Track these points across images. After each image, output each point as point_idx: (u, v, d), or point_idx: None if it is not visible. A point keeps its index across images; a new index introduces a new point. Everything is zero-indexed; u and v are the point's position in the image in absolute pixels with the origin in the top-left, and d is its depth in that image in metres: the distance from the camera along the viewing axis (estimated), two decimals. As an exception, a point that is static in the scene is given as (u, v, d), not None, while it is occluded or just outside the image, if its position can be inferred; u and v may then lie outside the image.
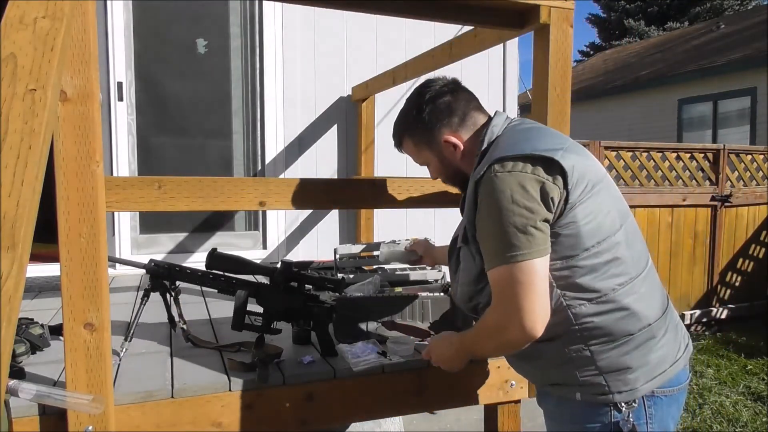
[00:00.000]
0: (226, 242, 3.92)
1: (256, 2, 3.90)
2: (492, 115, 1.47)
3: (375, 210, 4.00)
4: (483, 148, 1.36)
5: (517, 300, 1.18)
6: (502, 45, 4.24)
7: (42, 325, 1.93)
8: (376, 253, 2.97)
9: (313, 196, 1.81)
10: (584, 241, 1.22)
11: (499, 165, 1.23)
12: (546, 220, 1.21)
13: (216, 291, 1.87)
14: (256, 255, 3.89)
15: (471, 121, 1.46)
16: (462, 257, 1.40)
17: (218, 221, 3.94)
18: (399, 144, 1.57)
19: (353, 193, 1.96)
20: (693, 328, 5.61)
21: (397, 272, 2.79)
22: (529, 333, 1.19)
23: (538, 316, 1.19)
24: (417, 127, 1.48)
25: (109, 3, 3.52)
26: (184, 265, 1.91)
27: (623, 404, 1.25)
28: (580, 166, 1.24)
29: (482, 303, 1.36)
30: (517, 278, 1.18)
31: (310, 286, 1.87)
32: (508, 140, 1.33)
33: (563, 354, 1.28)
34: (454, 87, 1.48)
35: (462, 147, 1.45)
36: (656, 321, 1.28)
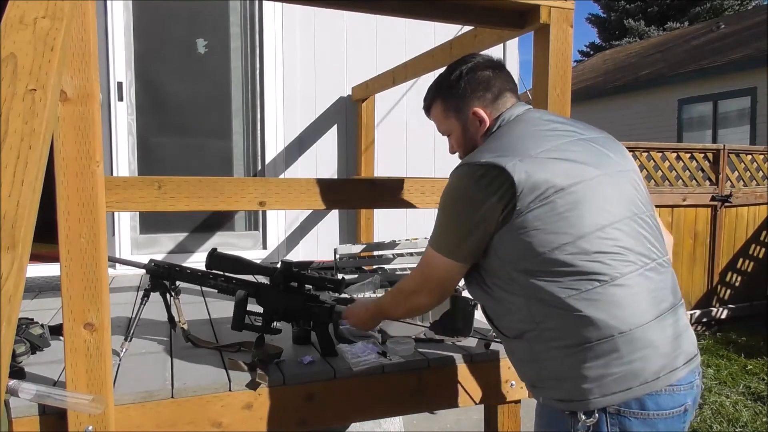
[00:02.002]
0: (226, 242, 3.92)
1: (256, 2, 3.90)
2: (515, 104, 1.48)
3: (375, 210, 4.00)
4: (487, 138, 1.43)
5: (428, 277, 1.42)
6: (502, 45, 4.24)
7: (42, 325, 1.93)
8: (377, 252, 2.97)
9: (313, 196, 1.81)
10: (537, 247, 1.21)
11: (462, 166, 1.34)
12: (475, 229, 1.28)
13: (216, 291, 1.87)
14: (256, 255, 3.89)
15: (502, 102, 1.46)
16: None
17: (218, 221, 3.94)
18: (428, 107, 1.56)
19: (353, 193, 1.96)
20: (693, 328, 5.61)
21: (397, 272, 2.79)
22: (424, 307, 1.54)
23: (437, 300, 1.47)
24: (451, 92, 1.48)
25: (109, 3, 3.52)
26: (184, 265, 1.91)
27: (582, 414, 1.20)
28: (539, 172, 1.23)
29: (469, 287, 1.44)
30: (437, 264, 1.37)
31: (310, 286, 1.87)
32: (489, 142, 1.39)
33: (530, 353, 1.29)
34: (498, 66, 1.50)
35: (488, 124, 1.45)
36: (623, 334, 1.18)
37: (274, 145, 3.97)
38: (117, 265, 3.39)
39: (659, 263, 1.27)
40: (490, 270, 1.32)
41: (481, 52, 2.52)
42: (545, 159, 1.26)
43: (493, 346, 1.91)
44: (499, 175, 1.24)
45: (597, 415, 1.19)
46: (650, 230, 1.30)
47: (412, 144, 4.26)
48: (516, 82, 1.55)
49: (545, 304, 1.22)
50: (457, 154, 1.55)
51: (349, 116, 4.11)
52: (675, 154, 5.50)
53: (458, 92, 1.47)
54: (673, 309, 1.25)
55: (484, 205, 1.26)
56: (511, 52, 4.41)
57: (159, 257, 2.93)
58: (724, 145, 5.69)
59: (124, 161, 3.63)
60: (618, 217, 1.25)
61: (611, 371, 1.18)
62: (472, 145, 1.48)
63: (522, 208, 1.22)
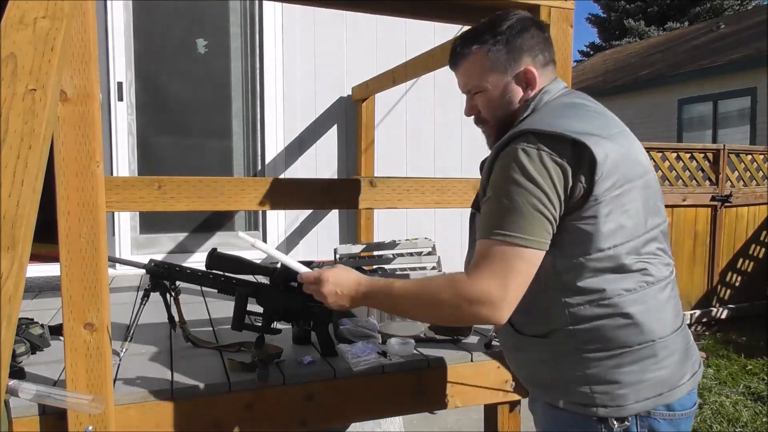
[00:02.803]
0: (226, 242, 3.92)
1: (256, 2, 3.90)
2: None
3: (375, 210, 4.00)
4: (525, 114, 1.24)
5: (506, 279, 1.09)
6: (502, 45, 4.23)
7: (42, 325, 1.93)
8: (377, 252, 2.97)
9: (313, 196, 1.81)
10: (600, 241, 1.12)
11: (524, 139, 1.13)
12: (554, 213, 1.11)
13: (216, 291, 1.87)
14: (256, 255, 3.89)
15: (549, 71, 1.29)
16: (477, 226, 1.28)
17: (218, 221, 3.94)
18: (461, 56, 1.30)
19: (353, 193, 1.96)
20: (693, 328, 5.61)
21: (397, 272, 2.79)
22: (500, 319, 1.11)
23: (513, 304, 1.11)
24: (499, 40, 1.25)
25: (109, 3, 3.51)
26: (184, 265, 1.91)
27: (615, 421, 1.15)
28: (615, 157, 1.11)
29: None
30: (511, 258, 1.10)
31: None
32: (546, 113, 1.21)
33: (554, 354, 1.20)
34: (549, 34, 1.34)
35: (535, 89, 1.26)
36: (662, 339, 1.16)
37: (274, 145, 3.97)
38: (117, 265, 3.39)
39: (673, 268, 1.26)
40: None
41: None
42: (618, 144, 1.15)
43: (493, 345, 1.91)
44: (582, 152, 1.10)
45: (630, 420, 1.16)
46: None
47: (412, 144, 4.26)
48: None
49: (591, 303, 1.14)
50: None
51: (349, 116, 4.11)
52: (675, 154, 5.50)
53: (510, 43, 1.24)
54: (683, 316, 1.28)
55: (562, 182, 1.11)
56: (511, 52, 4.40)
57: (159, 257, 2.93)
58: (724, 145, 5.69)
59: (124, 161, 3.63)
60: (662, 219, 1.22)
61: (647, 377, 1.15)
62: (506, 110, 1.28)
63: (598, 194, 1.10)
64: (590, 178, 1.10)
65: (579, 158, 1.10)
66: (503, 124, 1.28)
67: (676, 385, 1.18)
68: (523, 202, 1.10)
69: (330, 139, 4.10)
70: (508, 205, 1.11)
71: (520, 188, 1.10)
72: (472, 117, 1.36)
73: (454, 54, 1.32)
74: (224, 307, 2.50)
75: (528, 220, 1.10)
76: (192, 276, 1.89)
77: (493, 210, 1.14)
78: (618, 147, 1.14)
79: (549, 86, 1.27)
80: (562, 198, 1.11)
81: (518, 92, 1.27)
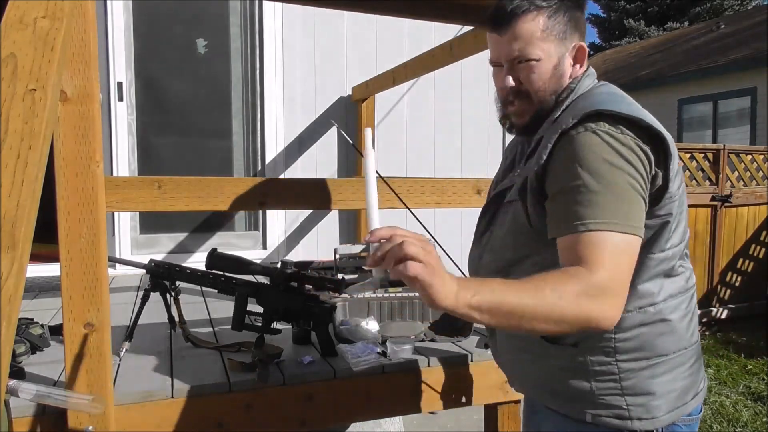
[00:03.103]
0: (226, 242, 3.91)
1: (256, 2, 3.90)
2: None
3: (375, 210, 3.99)
4: (570, 99, 1.12)
5: (618, 270, 0.94)
6: (502, 45, 4.23)
7: (42, 325, 1.93)
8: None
9: (313, 196, 1.81)
10: (663, 241, 1.06)
11: (601, 119, 1.01)
12: (646, 199, 1.02)
13: (216, 291, 1.87)
14: (256, 255, 3.89)
15: (581, 53, 1.16)
16: (505, 216, 1.15)
17: (218, 221, 3.94)
18: (515, 13, 1.10)
19: (353, 193, 1.96)
20: (693, 328, 5.61)
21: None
22: (614, 318, 0.94)
23: (624, 300, 0.96)
24: (565, 11, 1.12)
25: (109, 3, 3.51)
26: (184, 265, 1.91)
27: None
28: (676, 154, 1.06)
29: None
30: (617, 246, 0.95)
31: (310, 286, 1.87)
32: (605, 97, 1.08)
33: (583, 364, 1.09)
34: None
35: (581, 69, 1.16)
36: (692, 346, 1.13)
37: (274, 145, 3.97)
38: (117, 265, 3.39)
39: None
40: None
41: (482, 52, 2.52)
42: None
43: (493, 346, 1.91)
44: (659, 143, 1.02)
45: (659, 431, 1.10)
46: None
47: (412, 144, 4.26)
48: None
49: (640, 309, 1.07)
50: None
51: (349, 116, 4.11)
52: (675, 154, 5.49)
53: (570, 14, 1.12)
54: None
55: (647, 169, 1.01)
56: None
57: (159, 257, 2.93)
58: (724, 145, 5.69)
59: (124, 161, 3.63)
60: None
61: (677, 386, 1.11)
62: (555, 86, 1.13)
63: (672, 191, 1.04)
64: (665, 173, 1.02)
65: (657, 149, 1.02)
66: (547, 98, 1.14)
67: (698, 391, 1.16)
68: (623, 183, 0.97)
69: (330, 139, 4.10)
70: (604, 189, 0.97)
71: (615, 168, 0.98)
72: (501, 91, 1.17)
73: (503, 13, 1.11)
74: (224, 307, 2.49)
75: (629, 203, 0.98)
76: (192, 276, 1.89)
77: (585, 197, 0.97)
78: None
79: (589, 70, 1.18)
80: (648, 187, 1.02)
81: (569, 69, 1.14)
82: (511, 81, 1.14)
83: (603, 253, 0.94)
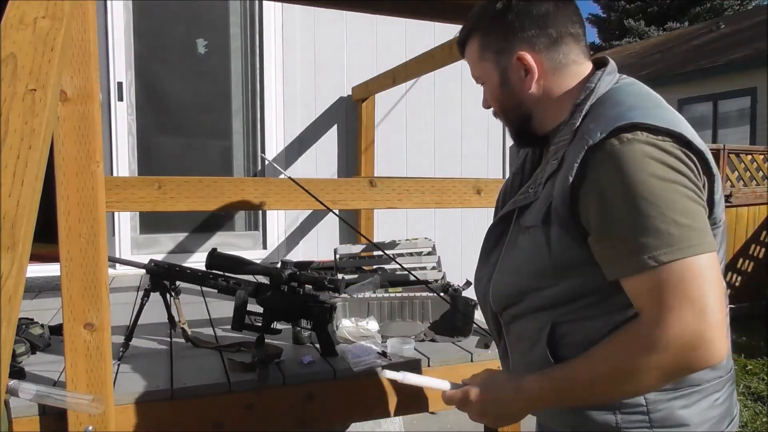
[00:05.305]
0: (226, 242, 3.92)
1: (256, 2, 3.90)
2: (596, 58, 1.10)
3: (375, 210, 4.00)
4: (590, 100, 0.99)
5: (706, 301, 0.82)
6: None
7: (42, 325, 1.93)
8: (377, 252, 2.97)
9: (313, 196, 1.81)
10: None
11: (635, 130, 0.88)
12: (704, 199, 0.90)
13: (216, 291, 1.87)
14: (256, 255, 3.89)
15: (562, 50, 1.04)
16: (521, 239, 1.04)
17: (218, 221, 3.94)
18: (463, 41, 1.13)
19: (353, 193, 1.96)
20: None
21: (397, 272, 2.79)
22: (719, 352, 0.83)
23: (725, 326, 0.86)
24: (493, 25, 1.07)
25: (109, 3, 3.51)
26: (184, 265, 1.91)
27: None
28: (719, 178, 0.95)
29: (517, 312, 1.05)
30: (699, 272, 0.83)
31: (310, 286, 1.88)
32: (636, 100, 0.96)
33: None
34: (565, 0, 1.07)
35: (536, 76, 1.05)
36: (728, 373, 1.02)
37: (274, 145, 3.97)
38: (117, 265, 3.39)
39: None
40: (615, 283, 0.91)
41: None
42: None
43: (493, 346, 1.91)
44: (702, 161, 0.91)
45: None
46: None
47: (412, 144, 4.26)
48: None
49: None
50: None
51: (349, 116, 4.11)
52: (675, 154, 5.49)
53: (503, 27, 1.05)
54: None
55: (699, 176, 0.90)
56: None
57: (159, 257, 2.93)
58: (724, 145, 5.69)
59: (124, 161, 3.63)
60: None
61: (713, 414, 0.99)
62: (512, 102, 1.09)
63: (717, 215, 0.94)
64: (711, 195, 0.92)
65: (700, 164, 0.90)
66: (517, 114, 1.10)
67: (733, 417, 1.04)
68: (679, 197, 0.85)
69: (330, 139, 4.10)
70: (658, 209, 0.84)
71: (664, 182, 0.85)
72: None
73: (458, 40, 1.16)
74: (224, 307, 2.49)
75: (693, 216, 0.85)
76: (192, 276, 1.89)
77: (637, 225, 0.85)
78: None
79: (608, 67, 1.05)
80: (704, 197, 0.90)
81: (520, 81, 1.07)
82: (484, 103, 1.16)
83: (668, 294, 0.84)
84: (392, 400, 1.79)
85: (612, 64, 1.05)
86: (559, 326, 0.99)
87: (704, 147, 0.91)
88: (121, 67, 3.59)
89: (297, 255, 3.99)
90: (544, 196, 1.00)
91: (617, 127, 0.88)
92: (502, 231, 1.11)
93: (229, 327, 1.79)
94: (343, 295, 2.03)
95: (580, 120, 0.98)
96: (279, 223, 4.00)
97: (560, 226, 0.96)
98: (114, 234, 3.59)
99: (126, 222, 3.64)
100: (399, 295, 2.10)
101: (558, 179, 0.96)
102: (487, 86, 1.12)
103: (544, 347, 1.00)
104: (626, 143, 0.87)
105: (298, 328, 1.91)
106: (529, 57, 1.04)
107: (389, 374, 1.12)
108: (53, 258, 1.60)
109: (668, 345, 0.83)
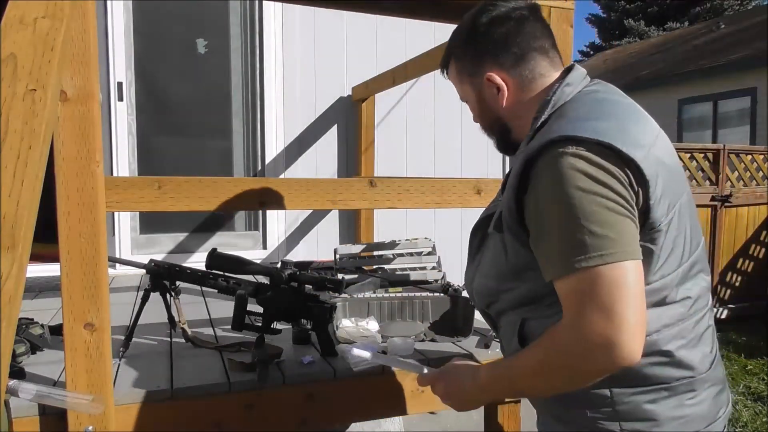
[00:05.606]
0: (226, 242, 3.92)
1: (256, 2, 3.90)
2: (565, 67, 1.15)
3: (375, 210, 4.00)
4: (546, 113, 1.06)
5: (615, 306, 0.87)
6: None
7: (42, 325, 1.93)
8: (377, 252, 2.97)
9: (312, 196, 1.81)
10: (650, 274, 0.98)
11: (564, 144, 0.94)
12: (635, 214, 0.94)
13: (216, 291, 1.87)
14: (256, 255, 3.89)
15: (528, 66, 1.12)
16: (489, 245, 1.14)
17: (218, 221, 3.94)
18: (444, 66, 1.26)
19: (353, 193, 1.96)
20: (693, 328, 5.61)
21: (397, 272, 2.79)
22: (629, 355, 0.88)
23: (640, 331, 0.89)
24: (466, 51, 1.18)
25: (109, 3, 3.52)
26: (184, 265, 1.91)
27: None
28: (664, 174, 0.97)
29: (499, 309, 1.14)
30: (612, 279, 0.88)
31: (310, 286, 1.87)
32: (581, 110, 1.02)
33: (576, 390, 1.03)
34: (526, 15, 1.13)
35: (506, 92, 1.13)
36: (701, 374, 1.03)
37: (274, 145, 3.97)
38: (117, 265, 3.39)
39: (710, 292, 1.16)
40: None
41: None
42: (662, 153, 1.00)
43: (493, 346, 1.91)
44: (634, 167, 0.94)
45: None
46: None
47: (412, 144, 4.26)
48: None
49: None
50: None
51: (349, 116, 4.11)
52: (675, 154, 5.49)
53: (473, 52, 1.16)
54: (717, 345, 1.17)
55: (628, 185, 0.93)
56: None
57: (159, 257, 2.93)
58: (724, 145, 5.70)
59: (124, 161, 3.63)
60: (698, 244, 1.07)
61: (685, 412, 1.02)
62: (491, 116, 1.18)
63: (655, 220, 0.96)
64: (646, 201, 0.94)
65: (631, 172, 0.94)
66: (497, 127, 1.20)
67: (714, 419, 1.06)
68: (598, 208, 0.90)
69: (330, 139, 4.10)
70: (577, 220, 0.90)
71: (586, 193, 0.91)
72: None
73: (440, 66, 1.29)
74: (224, 307, 2.49)
75: (611, 226, 0.90)
76: (192, 276, 1.89)
77: (560, 234, 0.93)
78: (663, 157, 0.99)
79: (568, 77, 1.10)
80: (634, 201, 0.93)
81: (494, 98, 1.15)
82: (474, 119, 1.25)
83: (581, 298, 0.90)
84: (392, 400, 1.79)
85: (576, 73, 1.11)
86: (528, 322, 1.07)
87: (640, 155, 0.94)
88: (121, 67, 3.59)
89: (297, 255, 3.99)
90: (498, 206, 1.10)
91: (550, 140, 0.96)
92: (483, 235, 1.18)
93: (229, 327, 1.79)
94: (343, 295, 2.03)
95: (533, 132, 1.05)
96: (279, 223, 4.00)
97: (510, 233, 1.04)
98: (114, 234, 3.59)
99: (126, 222, 3.64)
100: (399, 295, 2.10)
101: (507, 187, 1.05)
102: (469, 105, 1.23)
103: (517, 341, 1.08)
104: (556, 156, 0.94)
105: (302, 327, 1.91)
106: (496, 77, 1.13)
107: (357, 352, 1.20)
108: (53, 258, 1.60)
109: (577, 346, 0.90)
